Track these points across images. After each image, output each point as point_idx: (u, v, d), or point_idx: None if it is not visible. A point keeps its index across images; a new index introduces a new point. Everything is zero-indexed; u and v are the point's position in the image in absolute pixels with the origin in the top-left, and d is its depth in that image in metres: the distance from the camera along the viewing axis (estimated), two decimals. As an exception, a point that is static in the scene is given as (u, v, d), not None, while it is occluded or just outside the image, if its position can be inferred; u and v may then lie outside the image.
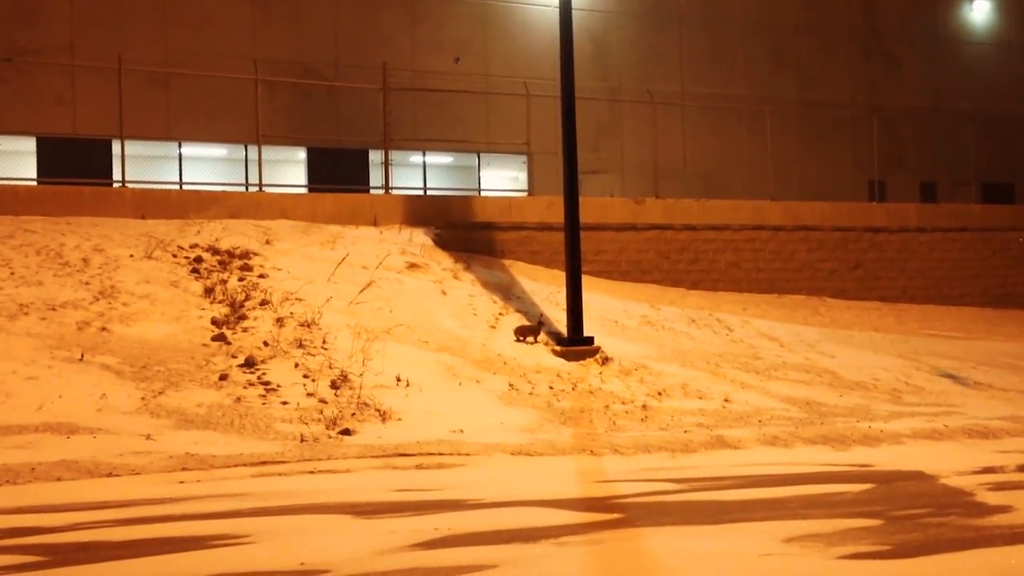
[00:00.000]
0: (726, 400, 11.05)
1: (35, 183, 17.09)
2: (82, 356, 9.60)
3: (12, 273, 11.15)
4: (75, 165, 17.01)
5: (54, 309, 10.52)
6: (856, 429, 9.80)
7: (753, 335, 14.35)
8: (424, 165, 22.33)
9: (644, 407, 10.55)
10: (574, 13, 13.08)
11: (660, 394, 11.06)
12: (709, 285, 17.00)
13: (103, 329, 10.35)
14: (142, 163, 17.99)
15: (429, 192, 20.98)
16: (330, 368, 10.30)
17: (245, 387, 9.63)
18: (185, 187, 18.28)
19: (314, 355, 10.61)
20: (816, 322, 15.93)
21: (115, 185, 16.07)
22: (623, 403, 10.66)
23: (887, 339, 15.27)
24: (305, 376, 10.06)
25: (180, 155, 19.99)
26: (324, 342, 10.96)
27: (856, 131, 23.56)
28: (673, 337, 13.77)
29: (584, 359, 11.99)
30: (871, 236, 18.78)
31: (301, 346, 10.79)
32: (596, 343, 12.31)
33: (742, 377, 12.12)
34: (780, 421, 10.24)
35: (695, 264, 17.07)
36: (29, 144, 18.37)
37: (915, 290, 18.60)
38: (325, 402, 9.52)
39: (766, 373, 12.46)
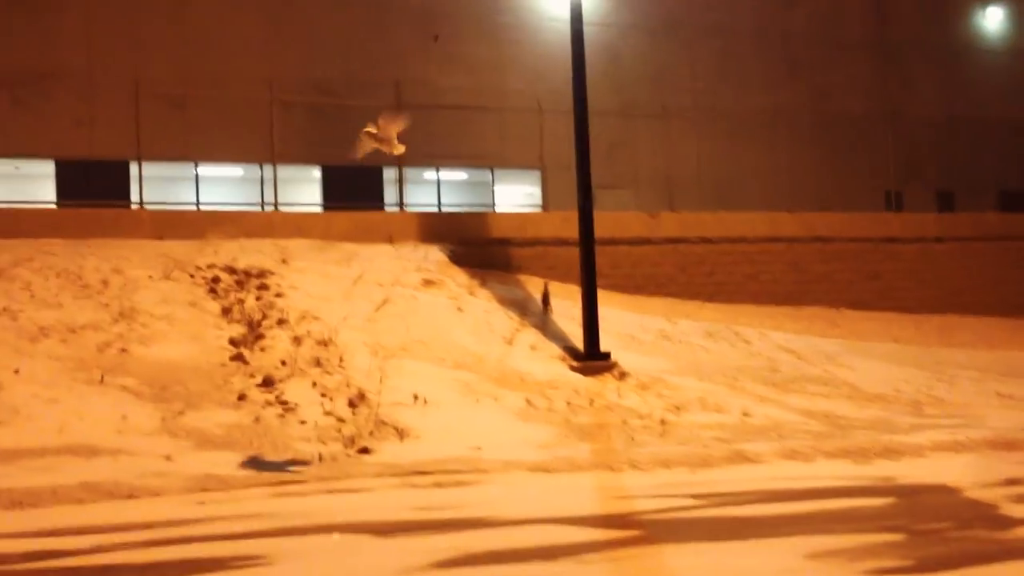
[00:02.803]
0: (745, 414, 10.99)
1: (55, 206, 17.26)
2: (102, 378, 9.65)
3: (33, 296, 11.23)
4: (94, 187, 17.17)
5: (74, 331, 10.59)
6: (877, 442, 9.72)
7: (771, 348, 14.29)
8: (438, 181, 22.40)
9: (662, 422, 10.51)
10: (586, 28, 13.13)
11: (678, 408, 11.01)
12: (725, 298, 16.93)
13: (122, 350, 10.41)
14: (159, 184, 18.17)
15: (444, 208, 21.04)
16: (347, 386, 10.32)
17: (263, 406, 9.66)
18: (202, 207, 18.41)
19: (331, 373, 10.63)
20: (834, 334, 15.84)
21: (133, 206, 16.22)
22: (641, 418, 10.63)
23: (907, 350, 15.17)
24: (322, 395, 10.08)
25: (197, 175, 20.14)
26: (341, 360, 10.98)
27: (871, 141, 23.48)
28: (690, 351, 13.72)
29: (601, 374, 11.96)
30: (888, 246, 18.67)
31: (318, 364, 10.82)
32: (613, 358, 12.28)
33: (760, 390, 12.06)
34: (800, 434, 10.17)
35: (711, 277, 17.01)
36: (48, 167, 18.56)
37: (934, 300, 18.45)
38: (343, 420, 9.54)
39: (784, 386, 12.39)
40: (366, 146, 13.63)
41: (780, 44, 25.01)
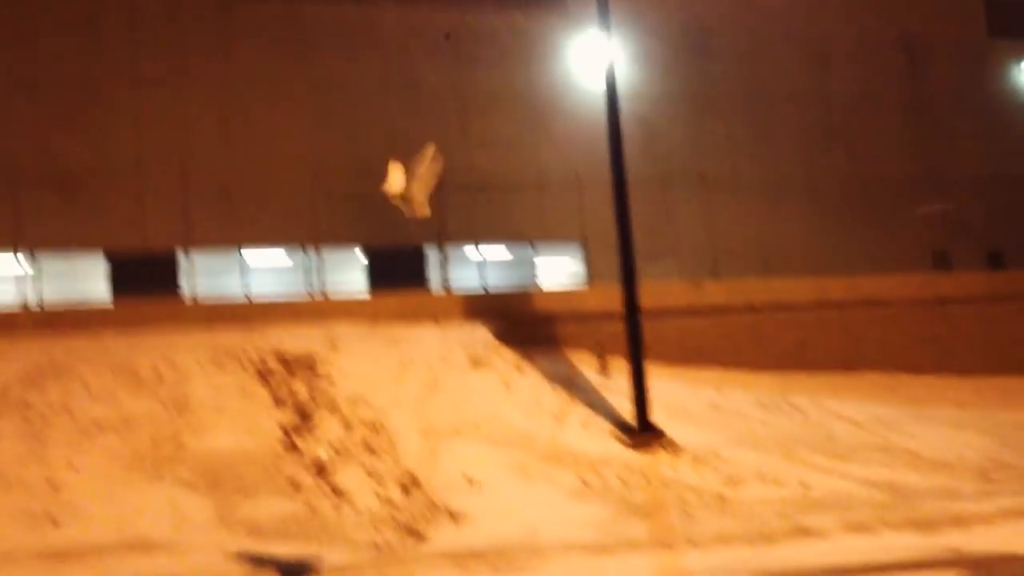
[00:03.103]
0: (804, 486, 10.74)
1: (108, 300, 17.60)
2: (157, 471, 9.72)
3: (89, 391, 11.40)
4: (145, 280, 17.50)
5: (129, 425, 10.71)
6: (944, 511, 9.43)
7: (826, 416, 14.01)
8: (481, 260, 22.55)
9: (719, 496, 10.31)
10: (621, 101, 13.28)
11: (735, 482, 10.80)
12: (776, 366, 16.69)
13: (177, 443, 10.49)
14: (208, 274, 18.48)
15: (487, 287, 21.13)
16: (399, 471, 10.29)
17: (317, 494, 9.65)
18: (250, 295, 18.66)
19: (383, 458, 10.61)
20: (891, 400, 15.51)
21: (184, 297, 16.50)
22: (697, 493, 10.44)
23: (968, 415, 14.79)
24: (375, 480, 10.05)
25: (244, 264, 20.47)
26: (392, 444, 10.96)
27: (914, 202, 23.30)
28: (743, 422, 13.50)
29: (654, 448, 11.80)
30: (941, 308, 18.34)
31: (370, 449, 10.81)
32: (665, 431, 12.12)
33: (819, 461, 11.80)
34: (863, 506, 9.91)
35: (760, 345, 16.80)
36: (101, 262, 18.99)
37: (992, 362, 18.01)
38: (396, 506, 9.48)
39: (843, 456, 12.11)
40: (394, 186, 12.89)
41: (817, 109, 25.07)
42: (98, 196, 18.05)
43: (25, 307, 14.51)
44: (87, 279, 18.90)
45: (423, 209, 12.64)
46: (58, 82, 19.14)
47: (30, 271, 17.62)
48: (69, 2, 19.49)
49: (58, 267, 18.80)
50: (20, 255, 16.05)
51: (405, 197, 12.54)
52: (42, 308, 14.71)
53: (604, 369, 13.72)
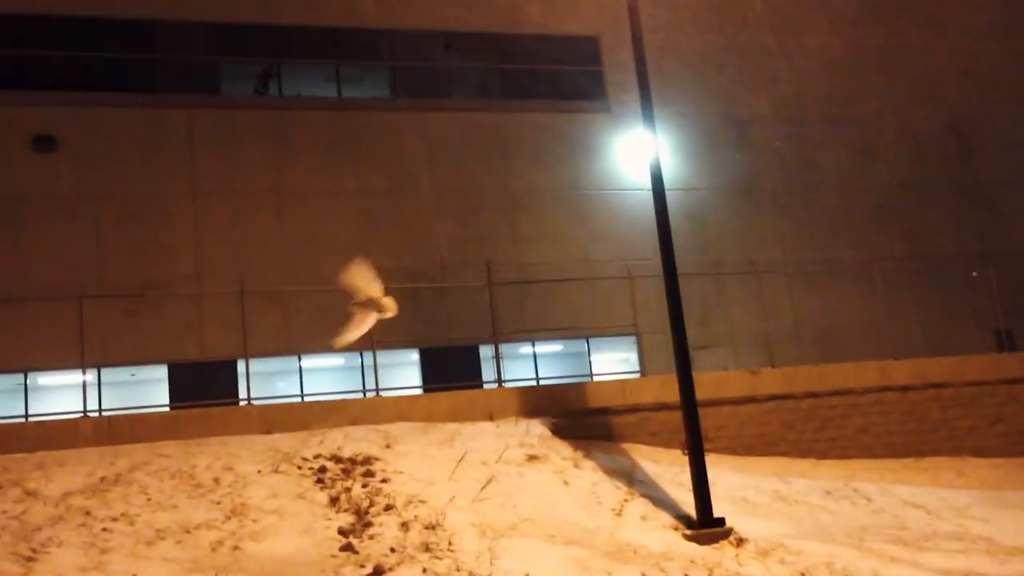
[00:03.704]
0: (876, 576, 10.37)
1: (168, 408, 17.89)
2: (216, 577, 9.69)
3: (149, 499, 11.49)
4: (204, 387, 17.79)
5: (188, 531, 10.73)
6: (1026, 600, 9.02)
7: (895, 504, 13.58)
8: (534, 355, 22.57)
9: (788, 590, 9.98)
10: (668, 193, 13.38)
11: (804, 575, 10.45)
12: (840, 453, 16.30)
13: (235, 548, 10.47)
14: (265, 379, 18.75)
15: (542, 381, 21.10)
16: (458, 570, 10.12)
17: (375, 597, 9.52)
18: (307, 398, 18.85)
19: (441, 558, 10.46)
20: (961, 484, 15.01)
21: (241, 403, 16.70)
22: (765, 587, 10.11)
23: (1043, 496, 14.24)
24: (434, 581, 9.90)
25: (300, 368, 20.73)
26: (450, 544, 10.82)
27: (972, 281, 22.92)
28: (809, 511, 13.13)
29: (717, 542, 11.50)
30: (1008, 388, 17.83)
31: (428, 550, 10.68)
32: (728, 523, 11.83)
33: (890, 550, 11.39)
34: (939, 596, 9.51)
35: (822, 432, 16.45)
36: (161, 372, 19.38)
37: (1065, 442, 17.42)
38: (456, 607, 9.31)
39: (916, 544, 11.68)
40: (361, 322, 13.18)
41: (866, 193, 25.04)
42: (158, 307, 18.51)
43: (86, 416, 14.79)
44: (149, 389, 19.29)
45: (393, 308, 12.91)
46: (118, 197, 19.89)
47: (92, 380, 18.00)
48: (128, 119, 20.38)
49: (120, 377, 19.23)
50: (83, 366, 16.46)
51: (376, 300, 12.87)
52: (104, 417, 14.98)
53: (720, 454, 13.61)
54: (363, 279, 13.07)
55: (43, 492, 11.50)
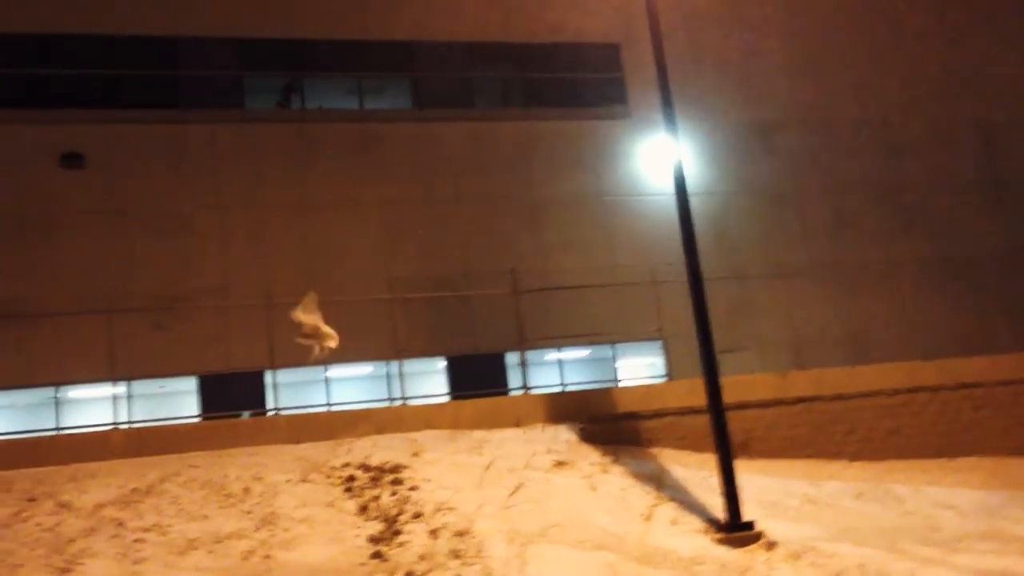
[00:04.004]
0: (910, 578, 10.27)
1: (197, 420, 18.03)
2: (247, 585, 9.76)
3: (180, 509, 11.58)
4: (232, 398, 17.93)
5: (220, 541, 10.81)
6: (1063, 600, 8.90)
7: (928, 505, 13.44)
8: (560, 361, 22.55)
9: (821, 593, 9.90)
10: (692, 198, 13.37)
11: (836, 577, 10.37)
12: (870, 455, 16.15)
13: (267, 557, 10.54)
14: (293, 389, 18.84)
15: (568, 387, 21.07)
16: (488, 577, 10.13)
17: (406, 604, 9.54)
18: (334, 408, 18.93)
19: (470, 564, 10.47)
20: (995, 484, 14.82)
21: (269, 413, 16.80)
22: (797, 590, 10.03)
23: (1078, 496, 14.03)
24: (464, 588, 9.91)
25: (327, 378, 20.83)
26: (479, 550, 10.83)
27: (1000, 280, 22.70)
28: (840, 514, 13.02)
29: (747, 545, 11.43)
30: (1038, 387, 17.63)
31: (457, 556, 10.69)
32: (758, 527, 11.76)
33: (924, 552, 11.27)
34: (975, 597, 9.40)
35: (852, 434, 16.31)
36: (190, 383, 19.53)
37: (1100, 440, 17.15)
38: (486, 614, 9.31)
39: (949, 546, 11.55)
40: (310, 350, 13.70)
41: (893, 194, 24.85)
42: (185, 320, 18.68)
43: (117, 428, 14.93)
44: (179, 400, 19.45)
45: (330, 338, 13.25)
46: (145, 212, 20.11)
47: (122, 393, 18.19)
48: (154, 135, 20.62)
49: (150, 389, 19.40)
50: (113, 379, 16.65)
51: (321, 331, 13.22)
52: (134, 429, 15.12)
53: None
54: (309, 314, 13.54)
55: (76, 504, 11.63)
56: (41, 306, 18.54)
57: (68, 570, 9.95)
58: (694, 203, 13.42)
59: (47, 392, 19.29)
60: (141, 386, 19.21)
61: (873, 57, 25.73)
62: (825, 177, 24.52)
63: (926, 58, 26.11)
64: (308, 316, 13.55)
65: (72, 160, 20.01)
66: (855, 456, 16.19)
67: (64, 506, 11.55)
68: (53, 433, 16.80)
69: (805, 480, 14.53)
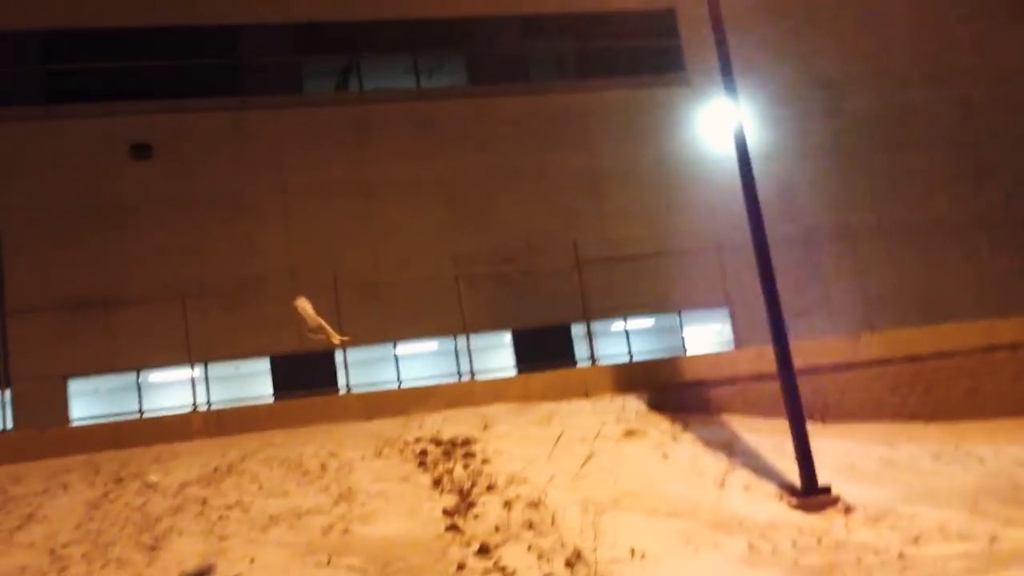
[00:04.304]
0: (993, 539, 10.08)
1: (272, 399, 18.44)
2: (329, 560, 9.98)
3: (261, 487, 11.89)
4: (304, 378, 18.28)
5: (300, 517, 11.07)
6: None
7: (1010, 464, 13.15)
8: (626, 331, 22.51)
9: (900, 556, 9.79)
10: (755, 161, 13.18)
11: (916, 540, 10.23)
12: (947, 416, 15.84)
13: (345, 531, 10.77)
14: (363, 367, 19.13)
15: (635, 357, 21.04)
16: (562, 546, 10.21)
17: (483, 575, 9.68)
18: (403, 384, 19.18)
19: (545, 535, 10.57)
20: (1079, 442, 14.44)
21: (341, 392, 17.10)
22: (876, 553, 9.93)
23: None
24: (539, 557, 10.00)
25: (396, 355, 21.10)
26: (553, 520, 10.91)
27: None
28: (919, 476, 12.82)
29: (824, 509, 11.34)
30: (1120, 341, 17.08)
31: (531, 527, 10.79)
32: (834, 491, 11.65)
33: (1007, 512, 11.05)
34: (1061, 556, 9.22)
35: (928, 395, 16.01)
36: (264, 364, 19.96)
37: None
38: (563, 582, 9.40)
39: (1032, 505, 11.32)
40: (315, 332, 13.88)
41: (963, 150, 24.17)
42: (256, 303, 19.06)
43: (196, 410, 15.35)
44: (253, 381, 19.88)
45: (335, 336, 13.37)
46: (212, 199, 20.53)
47: (199, 376, 18.66)
48: (218, 122, 20.99)
49: (225, 371, 19.87)
50: (191, 363, 17.09)
51: (321, 327, 13.35)
52: (212, 410, 15.53)
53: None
54: (307, 313, 13.82)
55: (162, 483, 12.01)
56: (120, 295, 19.11)
57: (156, 547, 10.30)
58: (757, 166, 13.23)
59: (129, 377, 19.90)
60: (217, 368, 19.70)
61: (940, 6, 24.96)
62: (892, 134, 23.94)
63: (997, 4, 25.25)
64: (312, 313, 13.89)
65: (141, 151, 20.50)
66: (931, 417, 15.89)
67: (150, 486, 11.93)
68: (136, 416, 17.35)
69: (881, 443, 14.32)
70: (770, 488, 12.05)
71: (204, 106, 20.99)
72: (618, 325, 22.30)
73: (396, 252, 20.79)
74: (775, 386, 12.96)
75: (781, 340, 12.54)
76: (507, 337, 21.65)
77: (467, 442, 13.21)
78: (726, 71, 13.23)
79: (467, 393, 15.32)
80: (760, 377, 15.25)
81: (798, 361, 12.84)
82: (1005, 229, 23.08)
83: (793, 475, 12.09)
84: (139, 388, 19.73)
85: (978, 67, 24.91)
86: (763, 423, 14.88)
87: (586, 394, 15.34)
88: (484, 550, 10.20)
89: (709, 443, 13.65)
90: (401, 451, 13.03)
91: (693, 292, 20.98)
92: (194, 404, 16.05)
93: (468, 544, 10.40)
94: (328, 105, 21.87)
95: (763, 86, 23.00)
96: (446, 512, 11.25)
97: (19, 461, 13.30)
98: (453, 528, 10.86)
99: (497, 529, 10.72)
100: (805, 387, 13.14)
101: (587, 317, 16.98)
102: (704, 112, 22.66)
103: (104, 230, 20.06)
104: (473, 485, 11.90)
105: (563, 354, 20.73)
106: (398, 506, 11.45)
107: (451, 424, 13.91)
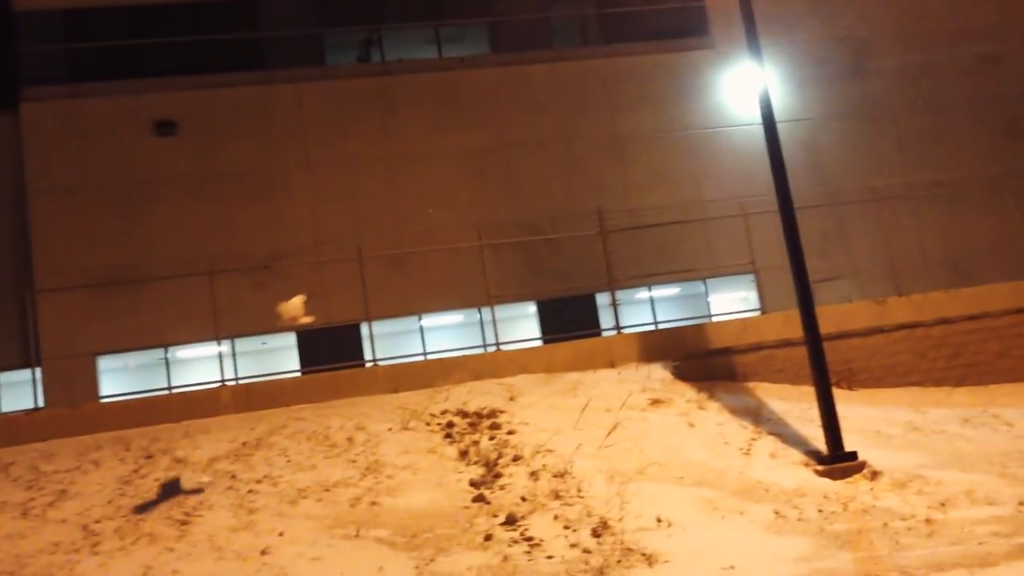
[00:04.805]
0: (1021, 503, 10.01)
1: (299, 374, 18.58)
2: (357, 532, 10.09)
3: (289, 461, 12.02)
4: (330, 351, 18.38)
5: (328, 489, 11.20)
6: None
7: (1039, 428, 13.05)
8: (651, 299, 22.43)
9: (927, 521, 9.74)
10: (780, 125, 13.02)
11: (943, 505, 10.18)
12: (976, 379, 15.70)
13: (373, 503, 10.88)
14: (389, 340, 19.21)
15: (660, 326, 20.97)
16: (589, 516, 10.26)
17: (509, 545, 9.75)
18: (429, 356, 19.26)
19: (571, 504, 10.62)
20: (1111, 404, 14.28)
21: (367, 365, 17.19)
22: (903, 519, 9.90)
23: None
24: (565, 527, 10.06)
25: (421, 327, 21.17)
26: (579, 490, 10.96)
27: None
28: (946, 441, 12.75)
29: (850, 476, 11.31)
30: None
31: (557, 497, 10.85)
32: (861, 457, 11.61)
33: (1035, 476, 10.98)
34: (1091, 521, 9.14)
35: (956, 359, 15.87)
36: (290, 339, 20.10)
37: None
38: (589, 551, 9.45)
39: (1063, 468, 11.22)
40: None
41: (993, 106, 23.75)
42: (282, 277, 19.17)
43: (224, 385, 15.49)
44: (280, 356, 20.03)
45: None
46: (237, 173, 20.61)
47: (227, 351, 18.82)
48: (241, 97, 21.02)
49: (252, 346, 20.03)
50: (217, 338, 17.23)
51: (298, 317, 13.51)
52: (240, 385, 15.67)
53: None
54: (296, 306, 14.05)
55: (191, 459, 12.18)
56: (146, 272, 19.28)
57: (187, 521, 10.46)
58: (782, 130, 13.08)
59: (157, 353, 20.13)
60: (244, 344, 19.86)
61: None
62: (920, 93, 23.54)
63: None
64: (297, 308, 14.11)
65: (165, 128, 20.59)
66: (960, 381, 15.77)
67: (180, 461, 12.10)
68: (165, 392, 17.56)
69: (908, 408, 14.25)
70: (796, 455, 12.03)
71: (226, 81, 21.02)
72: (643, 294, 22.22)
73: (420, 223, 20.80)
74: (802, 352, 12.90)
75: (807, 305, 12.46)
76: (532, 307, 21.65)
77: (493, 413, 13.27)
78: (751, 33, 13.05)
79: (493, 364, 15.35)
80: (786, 343, 15.19)
81: (824, 327, 12.77)
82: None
83: (819, 442, 12.06)
84: (167, 364, 19.95)
85: (1009, 22, 24.40)
86: (789, 390, 14.84)
87: (611, 363, 15.34)
88: (511, 520, 10.27)
89: (735, 411, 13.63)
90: (427, 423, 13.12)
91: (719, 259, 20.83)
92: (222, 379, 16.19)
93: (495, 515, 10.48)
94: (351, 77, 21.83)
95: (789, 47, 22.68)
96: (473, 483, 11.34)
97: (51, 438, 13.52)
98: (480, 499, 10.94)
99: (523, 500, 10.79)
100: (831, 353, 13.08)
101: (612, 286, 16.92)
102: (729, 75, 22.41)
103: (130, 207, 20.23)
104: (499, 456, 11.97)
105: (588, 324, 20.71)
106: (425, 478, 11.54)
107: (477, 396, 13.98)
